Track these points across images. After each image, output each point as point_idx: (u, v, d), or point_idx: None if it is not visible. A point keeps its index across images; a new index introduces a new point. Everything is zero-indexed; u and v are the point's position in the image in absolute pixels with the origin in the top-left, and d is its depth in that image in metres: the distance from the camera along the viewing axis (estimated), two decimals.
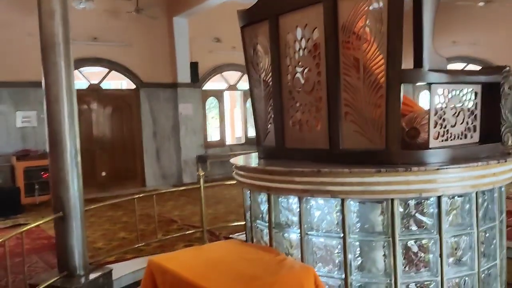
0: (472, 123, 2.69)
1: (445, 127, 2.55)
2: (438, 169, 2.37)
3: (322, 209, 2.62)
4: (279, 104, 3.04)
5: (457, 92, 2.58)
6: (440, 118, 2.52)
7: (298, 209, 2.63)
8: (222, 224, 6.47)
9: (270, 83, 3.12)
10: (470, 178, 2.44)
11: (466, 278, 2.56)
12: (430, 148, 2.51)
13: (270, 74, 3.10)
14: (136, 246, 5.21)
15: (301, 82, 2.90)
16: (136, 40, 11.12)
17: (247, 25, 3.29)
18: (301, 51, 2.88)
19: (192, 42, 11.84)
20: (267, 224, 2.84)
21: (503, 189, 2.79)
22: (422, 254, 2.50)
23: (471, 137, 2.70)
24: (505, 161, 2.56)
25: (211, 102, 13.19)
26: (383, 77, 2.47)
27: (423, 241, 2.50)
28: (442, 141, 2.56)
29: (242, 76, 13.27)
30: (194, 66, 11.84)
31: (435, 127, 2.50)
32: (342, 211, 2.49)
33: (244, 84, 13.59)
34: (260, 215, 2.95)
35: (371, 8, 2.48)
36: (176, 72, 11.55)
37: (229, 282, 2.31)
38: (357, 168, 2.40)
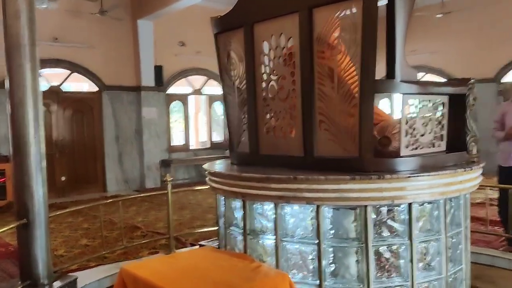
0: (439, 133, 2.79)
1: (415, 136, 2.64)
2: (409, 176, 2.44)
3: (297, 216, 2.65)
4: (253, 111, 3.06)
5: (427, 102, 2.68)
6: (411, 127, 2.61)
7: (274, 216, 2.65)
8: (188, 231, 6.41)
9: (245, 90, 3.13)
10: (439, 186, 2.53)
11: (435, 283, 2.65)
12: (402, 157, 2.59)
13: (245, 81, 3.12)
14: (100, 253, 5.09)
15: (275, 90, 2.93)
16: (99, 42, 10.89)
17: (221, 32, 3.30)
18: (276, 60, 2.91)
19: (156, 45, 11.72)
20: (241, 230, 2.84)
21: (467, 196, 2.90)
22: (394, 260, 2.56)
23: (439, 146, 2.80)
24: (471, 169, 2.67)
25: (176, 106, 13.07)
26: (356, 87, 2.53)
27: (394, 247, 2.56)
28: (412, 149, 2.64)
29: (207, 80, 13.23)
30: (158, 69, 11.72)
31: (406, 136, 2.58)
32: (317, 217, 2.53)
33: (209, 89, 13.55)
34: (234, 222, 2.95)
35: (345, 19, 2.53)
36: (140, 75, 11.39)
37: None
38: (332, 175, 2.45)
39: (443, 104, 2.79)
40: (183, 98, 12.82)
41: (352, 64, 2.54)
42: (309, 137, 2.72)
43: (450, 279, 2.72)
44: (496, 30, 11.04)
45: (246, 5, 3.05)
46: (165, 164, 11.94)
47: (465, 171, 2.62)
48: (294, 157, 2.83)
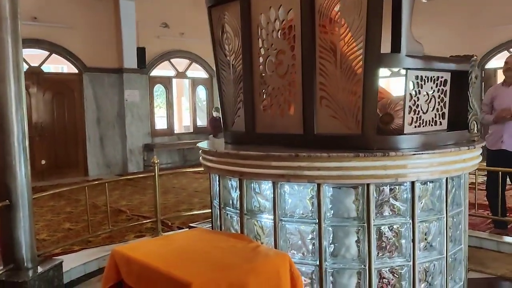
0: (441, 110, 2.73)
1: (418, 113, 2.57)
2: (414, 154, 2.38)
3: (296, 195, 2.57)
4: (249, 88, 2.94)
5: (430, 78, 2.61)
6: (414, 104, 2.53)
7: (272, 195, 2.56)
8: (175, 214, 6.31)
9: (240, 66, 3.01)
10: (443, 164, 2.47)
11: (435, 263, 2.60)
12: (405, 134, 2.51)
13: (240, 56, 3.00)
14: (85, 237, 4.95)
15: (274, 65, 2.82)
16: (80, 22, 10.59)
17: (214, 5, 3.16)
18: (274, 33, 2.80)
19: (139, 26, 11.45)
20: (238, 211, 2.75)
21: (467, 175, 2.86)
22: (395, 239, 2.51)
23: (440, 123, 2.74)
24: (474, 148, 2.62)
25: (159, 89, 12.85)
26: (360, 62, 2.44)
27: (396, 226, 2.51)
28: (415, 127, 2.57)
29: (191, 63, 13.02)
30: (141, 51, 11.47)
31: (409, 113, 2.51)
32: (318, 196, 2.45)
33: (193, 72, 13.34)
34: (230, 202, 2.85)
35: None
36: (122, 57, 11.14)
37: (203, 270, 2.20)
38: (334, 153, 2.36)
39: (445, 80, 2.72)
40: (166, 81, 12.60)
41: (356, 37, 2.44)
42: (310, 114, 2.62)
43: (450, 259, 2.68)
44: (482, 16, 11.05)
45: None
46: (148, 148, 11.76)
47: (468, 149, 2.57)
48: (293, 135, 2.74)
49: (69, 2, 10.32)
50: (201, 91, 13.90)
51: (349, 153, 2.34)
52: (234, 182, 2.80)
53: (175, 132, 13.00)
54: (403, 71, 2.55)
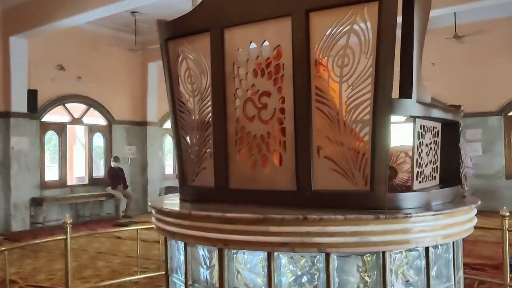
0: (435, 163, 2.49)
1: (421, 166, 2.29)
2: (434, 214, 2.06)
3: (292, 266, 2.09)
4: (222, 135, 2.46)
5: (429, 128, 2.37)
6: (419, 156, 2.26)
7: (267, 269, 2.05)
8: (88, 285, 5.30)
9: (208, 109, 2.54)
10: (456, 224, 2.19)
11: None
12: (414, 191, 2.21)
13: (209, 98, 2.53)
14: None
15: (255, 109, 2.38)
16: None
17: (173, 38, 2.68)
18: (256, 72, 2.38)
19: (31, 67, 10.31)
20: None
21: None
22: None
23: (435, 178, 2.49)
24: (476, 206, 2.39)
25: (51, 136, 11.57)
26: (368, 107, 2.11)
27: None
28: (420, 182, 2.28)
29: (88, 109, 11.99)
30: (32, 94, 10.27)
31: (417, 166, 2.22)
32: (327, 269, 2.00)
33: (90, 119, 12.30)
34: (204, 277, 2.27)
35: (355, 27, 2.12)
36: (10, 100, 9.85)
37: None
38: (349, 214, 1.95)
39: (438, 131, 2.51)
40: (59, 128, 11.40)
41: (362, 79, 2.12)
42: (305, 166, 2.21)
43: None
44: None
45: (214, 6, 2.49)
46: (36, 202, 10.35)
47: (475, 207, 2.34)
48: (283, 192, 2.29)
49: None
50: (99, 139, 12.82)
51: (368, 215, 1.95)
52: (208, 253, 2.24)
53: (68, 184, 11.67)
54: (398, 118, 2.27)
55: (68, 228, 4.18)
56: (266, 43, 2.36)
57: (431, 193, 2.28)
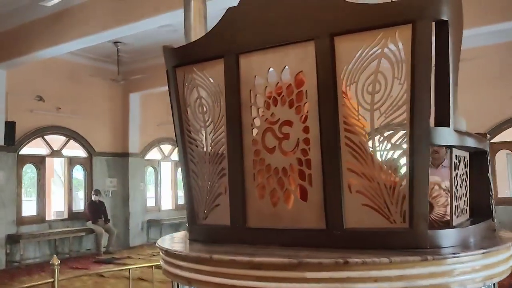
0: (466, 196, 2.33)
1: (457, 199, 2.13)
2: (484, 253, 1.88)
3: None
4: (239, 168, 2.26)
5: (461, 158, 2.22)
6: (456, 189, 2.10)
7: None
8: None
9: (223, 139, 2.34)
10: (498, 264, 2.01)
11: None
12: (454, 227, 2.03)
13: (223, 128, 2.34)
14: None
15: (276, 140, 2.20)
16: None
17: (182, 65, 2.49)
18: (275, 100, 2.21)
19: (9, 98, 9.99)
20: None
21: None
22: None
23: (466, 211, 2.33)
24: None
25: (29, 169, 11.14)
26: (404, 136, 1.95)
27: None
28: (457, 217, 2.11)
29: (67, 141, 11.64)
30: (10, 126, 9.94)
31: (455, 200, 2.06)
32: None
33: (70, 151, 11.94)
34: None
35: (385, 51, 1.98)
36: None
37: None
38: (396, 257, 1.76)
39: (467, 161, 2.36)
40: (38, 160, 10.99)
41: (397, 105, 1.96)
42: (335, 202, 2.01)
43: None
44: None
45: (228, 31, 2.33)
46: (13, 239, 9.86)
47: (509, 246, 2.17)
48: (309, 231, 2.08)
49: None
50: (78, 172, 12.42)
51: (414, 257, 1.76)
52: None
53: (47, 219, 11.18)
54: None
55: (56, 271, 3.85)
56: (286, 68, 2.19)
57: (468, 229, 2.10)
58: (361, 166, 2.02)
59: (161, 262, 2.34)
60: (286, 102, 2.19)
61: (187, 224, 2.64)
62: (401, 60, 1.96)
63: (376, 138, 2.00)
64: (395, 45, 1.96)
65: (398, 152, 1.97)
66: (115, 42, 10.86)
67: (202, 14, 5.12)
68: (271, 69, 2.23)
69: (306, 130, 2.13)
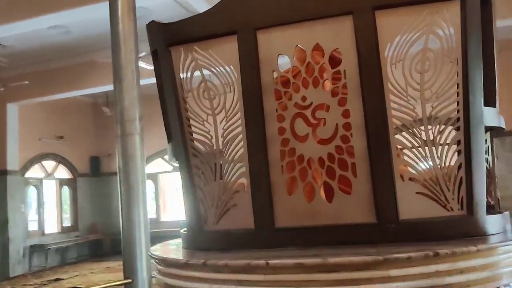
0: None
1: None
2: None
3: None
4: (262, 160, 1.94)
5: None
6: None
7: None
8: None
9: (239, 129, 2.00)
10: None
11: None
12: (499, 212, 1.95)
13: (238, 115, 2.00)
14: None
15: (308, 127, 1.93)
16: None
17: (179, 43, 2.11)
18: (307, 82, 1.95)
19: None
20: None
21: None
22: None
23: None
24: None
25: None
26: (459, 117, 1.82)
27: None
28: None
29: None
30: None
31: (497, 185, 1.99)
32: None
33: None
34: None
35: (433, 28, 1.85)
36: None
37: None
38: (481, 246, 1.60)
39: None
40: None
41: (449, 85, 1.83)
42: (387, 193, 1.80)
43: None
44: None
45: (242, 3, 2.02)
46: None
47: None
48: (357, 226, 1.84)
49: None
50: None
51: (499, 243, 1.62)
52: None
53: None
54: None
55: None
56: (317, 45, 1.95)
57: (504, 215, 2.04)
58: (413, 151, 1.85)
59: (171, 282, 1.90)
60: (319, 83, 1.94)
61: (183, 232, 2.24)
62: (451, 37, 1.84)
63: (428, 120, 1.85)
64: (444, 21, 1.84)
65: (452, 134, 1.83)
66: None
67: (131, 6, 4.66)
68: (298, 46, 1.97)
69: (346, 114, 1.90)
